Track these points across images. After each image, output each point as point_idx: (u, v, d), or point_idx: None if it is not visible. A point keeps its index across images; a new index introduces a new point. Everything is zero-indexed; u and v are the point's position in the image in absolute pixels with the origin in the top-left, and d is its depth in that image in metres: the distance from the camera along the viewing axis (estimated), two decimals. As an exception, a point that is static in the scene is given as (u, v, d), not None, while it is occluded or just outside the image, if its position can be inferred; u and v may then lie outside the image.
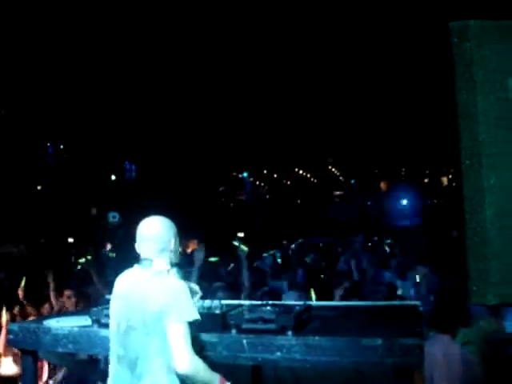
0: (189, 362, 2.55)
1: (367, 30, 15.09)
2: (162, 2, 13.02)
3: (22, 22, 12.30)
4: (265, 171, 26.42)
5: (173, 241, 2.89)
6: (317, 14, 14.47)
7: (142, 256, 2.86)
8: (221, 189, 25.85)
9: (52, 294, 6.95)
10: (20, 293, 6.95)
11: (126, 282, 2.88)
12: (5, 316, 4.95)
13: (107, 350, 3.04)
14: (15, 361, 5.35)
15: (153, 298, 2.68)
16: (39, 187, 20.72)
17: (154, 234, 2.87)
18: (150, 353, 2.66)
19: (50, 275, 6.98)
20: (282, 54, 15.84)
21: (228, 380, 2.73)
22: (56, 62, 13.69)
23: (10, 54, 12.95)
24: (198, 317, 2.65)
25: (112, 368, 2.82)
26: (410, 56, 15.65)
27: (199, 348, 2.75)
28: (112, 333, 2.83)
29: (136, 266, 2.90)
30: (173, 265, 2.90)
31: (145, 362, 2.66)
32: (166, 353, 2.63)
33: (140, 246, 2.89)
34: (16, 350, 5.22)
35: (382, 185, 26.03)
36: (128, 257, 3.04)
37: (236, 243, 4.64)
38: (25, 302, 6.81)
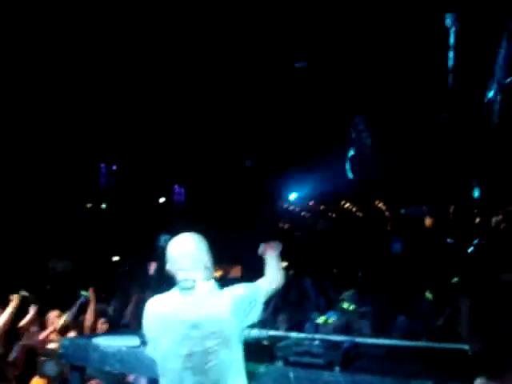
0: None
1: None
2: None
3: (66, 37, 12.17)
4: (311, 202, 26.29)
5: (207, 257, 2.78)
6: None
7: (180, 276, 2.73)
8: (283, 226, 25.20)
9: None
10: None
11: (174, 307, 2.71)
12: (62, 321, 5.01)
13: (154, 371, 3.07)
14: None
15: (226, 312, 2.61)
16: (89, 205, 21.16)
17: (189, 250, 2.76)
18: (231, 370, 2.63)
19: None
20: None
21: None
22: (113, 83, 13.95)
23: (62, 73, 13.12)
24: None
25: None
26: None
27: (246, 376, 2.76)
28: (176, 362, 2.68)
29: (176, 288, 2.75)
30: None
31: (227, 379, 2.62)
32: (241, 367, 2.67)
33: (174, 266, 2.76)
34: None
35: (428, 221, 25.11)
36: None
37: None
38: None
